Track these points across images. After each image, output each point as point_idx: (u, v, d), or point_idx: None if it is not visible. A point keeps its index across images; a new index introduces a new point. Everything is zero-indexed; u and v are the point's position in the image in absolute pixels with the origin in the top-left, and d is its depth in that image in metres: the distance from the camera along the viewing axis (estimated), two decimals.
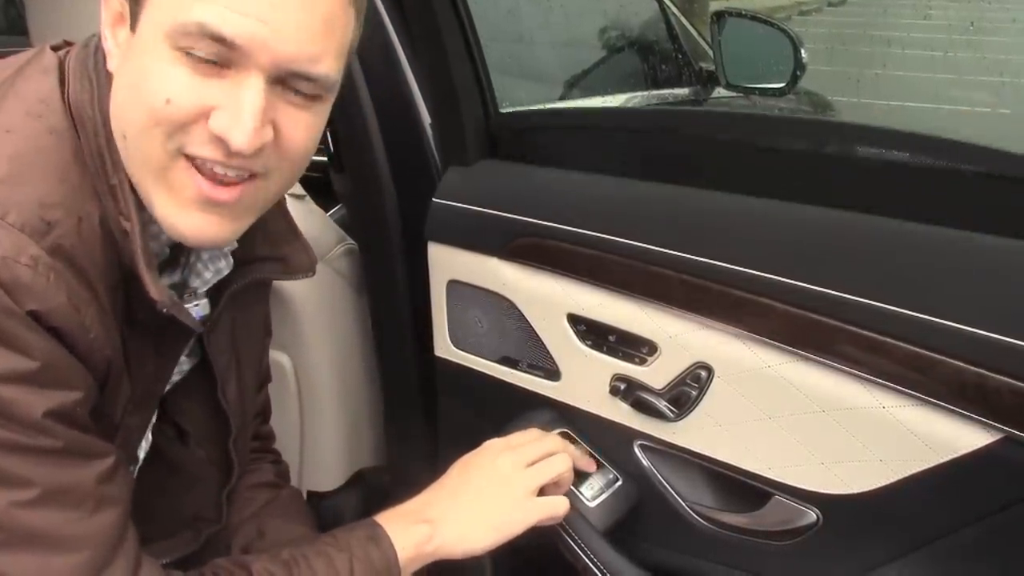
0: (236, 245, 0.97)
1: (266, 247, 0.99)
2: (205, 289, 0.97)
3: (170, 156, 0.79)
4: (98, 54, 0.86)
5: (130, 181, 0.84)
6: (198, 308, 0.96)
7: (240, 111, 0.77)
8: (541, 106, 1.87)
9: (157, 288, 0.84)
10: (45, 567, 0.80)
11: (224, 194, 0.81)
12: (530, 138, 1.38)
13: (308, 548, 0.97)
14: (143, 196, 0.83)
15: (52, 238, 0.78)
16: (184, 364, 1.02)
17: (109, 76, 0.84)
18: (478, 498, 1.06)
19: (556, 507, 1.08)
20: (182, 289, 0.96)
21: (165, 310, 0.86)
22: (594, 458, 1.21)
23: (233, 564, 0.94)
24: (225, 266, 0.97)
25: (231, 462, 1.07)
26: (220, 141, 0.78)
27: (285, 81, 0.79)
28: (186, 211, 0.81)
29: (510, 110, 1.39)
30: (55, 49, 0.89)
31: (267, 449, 1.26)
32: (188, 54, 0.76)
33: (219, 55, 0.76)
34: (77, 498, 0.81)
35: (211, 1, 0.75)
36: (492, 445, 1.12)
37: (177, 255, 0.95)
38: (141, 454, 1.01)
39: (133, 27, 0.80)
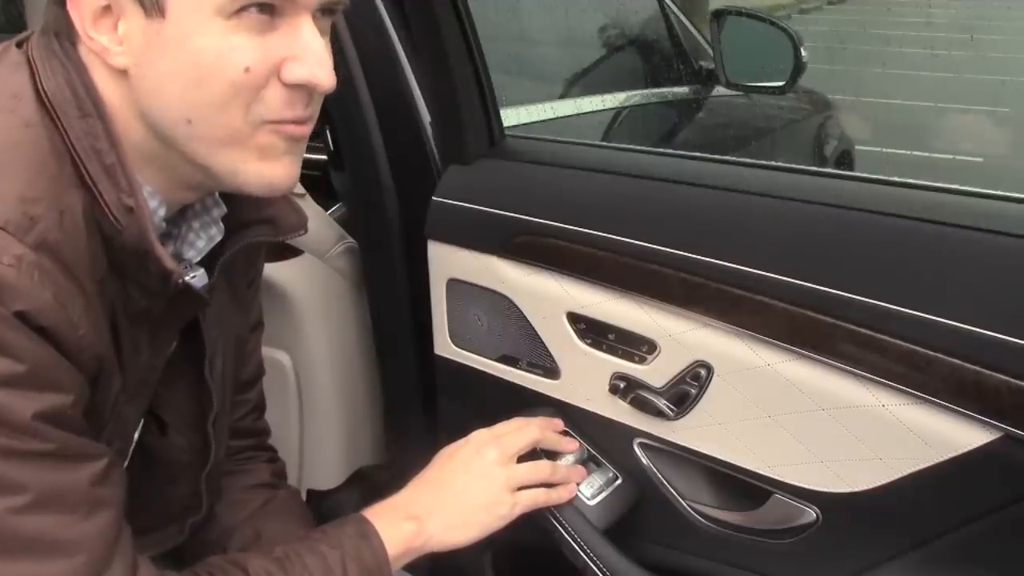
0: (226, 210, 0.96)
1: (255, 210, 0.97)
2: (199, 259, 0.96)
3: (253, 126, 0.82)
4: (60, 38, 0.84)
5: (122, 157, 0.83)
6: (196, 279, 0.94)
7: (313, 53, 0.80)
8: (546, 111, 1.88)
9: (171, 260, 0.85)
10: (41, 573, 0.79)
11: (305, 128, 0.85)
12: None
13: (300, 545, 0.97)
14: (223, 169, 0.84)
15: (36, 234, 0.77)
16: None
17: (80, 59, 0.83)
18: (463, 493, 1.07)
19: (535, 498, 1.10)
20: (177, 262, 0.95)
21: (180, 281, 0.86)
22: (593, 456, 1.21)
23: (228, 562, 0.94)
24: (217, 232, 0.96)
25: (209, 444, 1.05)
26: (294, 97, 0.81)
27: (315, 14, 0.83)
28: (277, 162, 0.84)
29: (513, 123, 1.37)
30: (19, 45, 0.87)
31: (263, 446, 1.25)
32: (240, 17, 0.78)
33: (271, 6, 0.79)
34: (71, 502, 0.80)
35: None
36: (477, 437, 1.13)
37: (168, 228, 0.94)
38: (135, 435, 1.00)
39: (156, 13, 0.79)
